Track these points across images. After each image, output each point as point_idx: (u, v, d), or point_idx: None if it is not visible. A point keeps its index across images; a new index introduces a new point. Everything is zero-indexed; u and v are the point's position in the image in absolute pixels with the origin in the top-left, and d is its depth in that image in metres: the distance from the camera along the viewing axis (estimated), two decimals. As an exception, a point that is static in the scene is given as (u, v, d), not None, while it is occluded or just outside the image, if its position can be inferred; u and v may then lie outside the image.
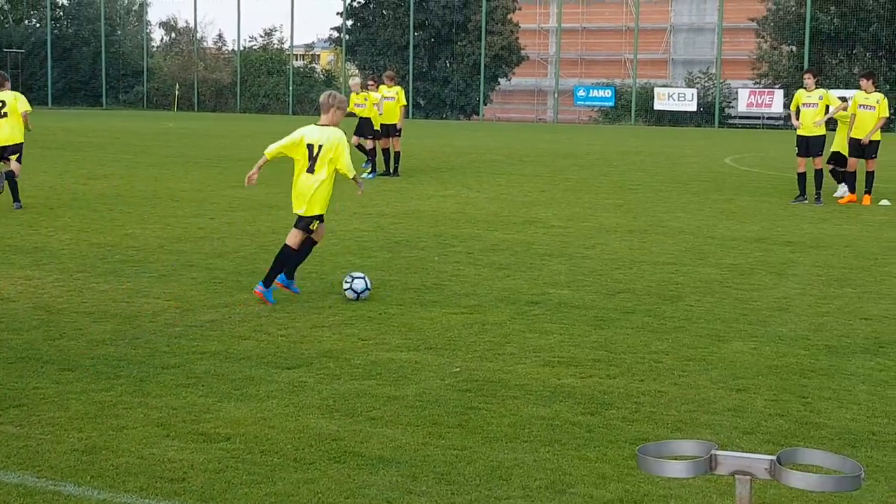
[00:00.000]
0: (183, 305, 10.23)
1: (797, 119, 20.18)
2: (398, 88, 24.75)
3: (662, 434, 6.64)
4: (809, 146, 19.83)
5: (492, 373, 8.04)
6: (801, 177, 20.06)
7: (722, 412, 7.14)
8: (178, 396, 7.33)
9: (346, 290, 10.65)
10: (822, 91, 20.18)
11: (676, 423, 6.90)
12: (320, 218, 10.79)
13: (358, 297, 10.59)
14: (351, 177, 10.72)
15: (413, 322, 9.68)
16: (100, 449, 6.28)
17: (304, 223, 10.71)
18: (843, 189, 20.55)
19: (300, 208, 10.74)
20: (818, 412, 7.19)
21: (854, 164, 20.10)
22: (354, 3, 68.93)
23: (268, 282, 10.53)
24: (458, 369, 8.12)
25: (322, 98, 10.85)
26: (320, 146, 10.59)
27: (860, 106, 20.01)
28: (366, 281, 10.68)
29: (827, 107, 19.96)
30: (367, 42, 67.47)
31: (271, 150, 10.80)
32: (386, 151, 24.41)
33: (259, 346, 8.76)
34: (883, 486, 5.88)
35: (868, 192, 19.86)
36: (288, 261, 10.71)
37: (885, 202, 19.66)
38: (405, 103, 25.01)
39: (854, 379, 8.00)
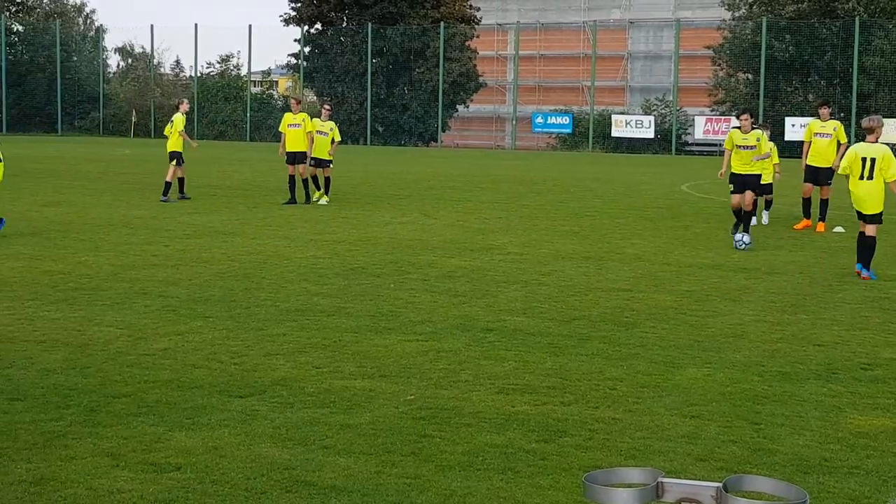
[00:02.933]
0: (135, 334, 10.14)
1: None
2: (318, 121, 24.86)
3: (616, 461, 6.63)
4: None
5: (446, 400, 8.01)
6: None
7: (675, 439, 7.15)
8: (129, 426, 7.25)
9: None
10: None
11: (630, 451, 6.89)
12: (881, 215, 14.06)
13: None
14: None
15: (368, 350, 9.64)
16: (48, 480, 6.19)
17: (873, 218, 13.97)
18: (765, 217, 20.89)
19: (863, 209, 14.05)
20: (771, 438, 7.21)
21: (809, 190, 20.28)
22: (312, 30, 68.94)
23: (866, 264, 14.01)
24: (413, 397, 8.08)
25: (872, 123, 14.08)
26: (873, 159, 13.78)
27: (816, 134, 20.34)
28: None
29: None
30: (324, 69, 67.47)
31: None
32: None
33: (212, 374, 8.68)
34: (834, 513, 5.90)
35: (822, 219, 20.06)
36: (869, 250, 14.06)
37: (839, 229, 19.84)
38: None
39: (807, 405, 8.04)
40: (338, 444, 6.91)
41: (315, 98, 67.71)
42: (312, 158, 24.13)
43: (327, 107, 25.76)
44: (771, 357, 9.60)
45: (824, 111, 20.59)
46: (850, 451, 6.95)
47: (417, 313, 11.38)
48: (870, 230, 14.01)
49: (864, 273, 14.01)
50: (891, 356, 9.68)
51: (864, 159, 13.92)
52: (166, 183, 24.26)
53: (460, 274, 14.08)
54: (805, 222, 20.22)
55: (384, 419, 7.49)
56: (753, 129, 17.99)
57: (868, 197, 14.02)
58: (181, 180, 24.74)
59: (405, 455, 6.73)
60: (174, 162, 24.40)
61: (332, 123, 24.97)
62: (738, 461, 6.72)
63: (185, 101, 25.93)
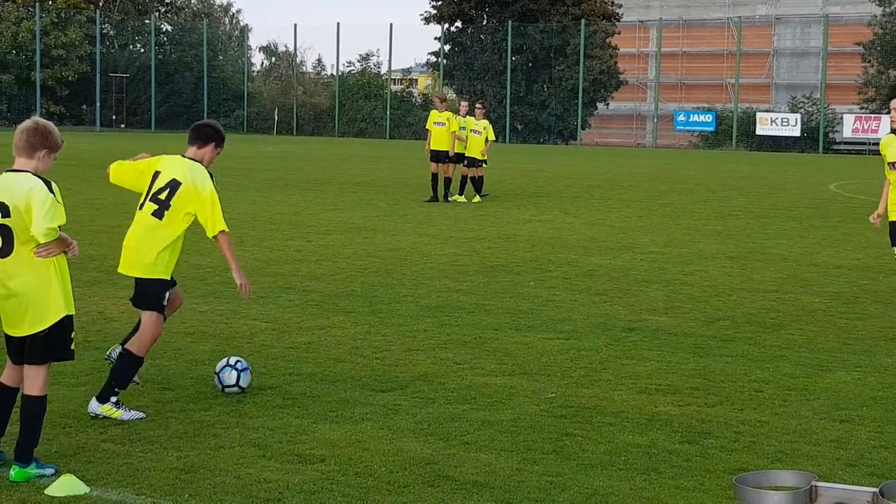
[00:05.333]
0: (280, 327, 10.32)
1: None
2: (485, 122, 24.87)
3: (762, 465, 6.50)
4: None
5: (587, 399, 7.96)
6: None
7: (824, 443, 6.98)
8: (275, 417, 7.39)
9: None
10: None
11: (777, 454, 6.75)
12: None
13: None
14: None
15: (508, 347, 9.64)
16: (198, 468, 6.34)
17: None
18: None
19: None
20: (925, 445, 6.98)
21: None
22: (452, 29, 69.30)
23: None
24: (554, 395, 8.06)
25: None
26: None
27: None
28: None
29: None
30: (464, 66, 67.76)
31: None
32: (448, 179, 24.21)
33: (354, 368, 8.79)
34: None
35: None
36: None
37: None
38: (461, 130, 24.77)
39: (963, 412, 7.76)
40: (479, 441, 6.93)
41: (454, 96, 67.98)
42: (466, 158, 24.18)
43: (480, 105, 25.81)
44: (924, 362, 9.30)
45: None
46: None
47: (558, 311, 11.34)
48: None
49: None
50: None
51: None
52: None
53: (601, 272, 13.99)
54: None
55: (525, 416, 7.48)
56: None
57: None
58: (449, 179, 24.40)
59: (546, 453, 6.71)
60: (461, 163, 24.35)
61: (485, 122, 25.00)
62: (890, 467, 6.52)
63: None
